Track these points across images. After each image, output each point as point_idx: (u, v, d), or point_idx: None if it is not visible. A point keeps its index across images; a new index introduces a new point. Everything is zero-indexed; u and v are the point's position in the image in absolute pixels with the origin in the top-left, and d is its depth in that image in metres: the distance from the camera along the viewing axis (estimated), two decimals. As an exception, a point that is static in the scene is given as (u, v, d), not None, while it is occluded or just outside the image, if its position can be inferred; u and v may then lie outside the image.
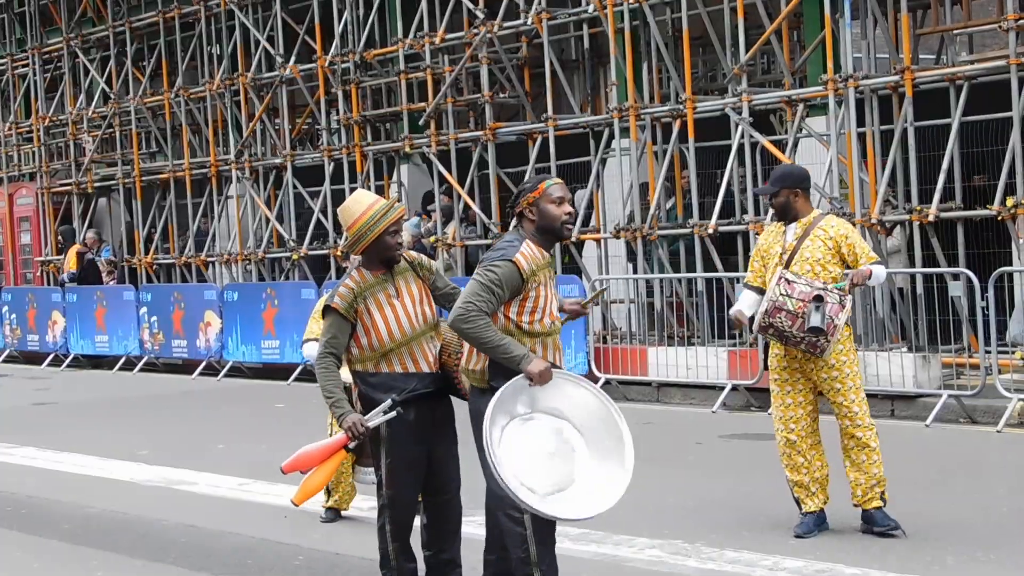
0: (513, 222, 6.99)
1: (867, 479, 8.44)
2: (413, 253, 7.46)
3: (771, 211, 10.22)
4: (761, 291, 8.71)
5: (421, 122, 20.57)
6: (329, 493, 9.81)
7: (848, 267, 8.59)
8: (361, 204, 7.15)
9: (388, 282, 7.17)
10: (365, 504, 10.12)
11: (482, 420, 6.63)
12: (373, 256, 7.17)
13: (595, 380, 16.00)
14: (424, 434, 7.21)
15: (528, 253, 6.76)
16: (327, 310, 7.16)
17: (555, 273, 7.17)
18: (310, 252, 22.05)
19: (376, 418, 7.01)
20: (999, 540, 8.32)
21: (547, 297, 6.85)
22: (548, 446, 6.73)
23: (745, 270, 15.70)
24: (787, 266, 8.52)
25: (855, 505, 8.55)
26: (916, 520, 8.72)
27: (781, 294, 8.31)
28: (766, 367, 9.00)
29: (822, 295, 8.26)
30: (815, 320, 8.22)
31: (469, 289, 6.72)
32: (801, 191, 8.75)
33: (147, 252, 25.30)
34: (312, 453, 7.01)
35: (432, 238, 19.66)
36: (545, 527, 6.78)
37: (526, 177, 18.57)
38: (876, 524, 8.46)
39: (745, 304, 8.87)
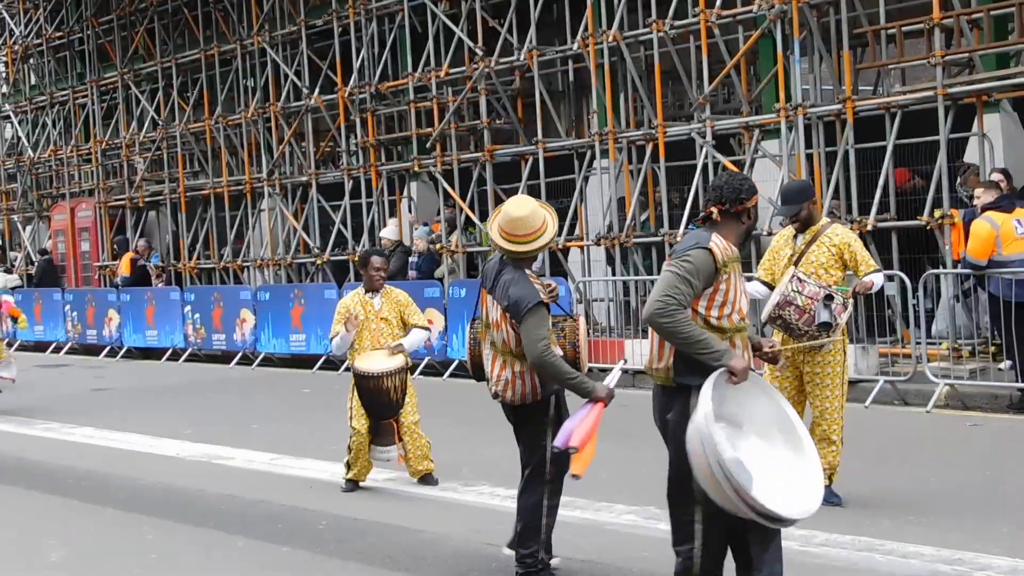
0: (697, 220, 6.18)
1: (821, 464, 8.39)
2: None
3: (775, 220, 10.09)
4: (770, 286, 8.63)
5: (428, 145, 20.57)
6: (348, 467, 9.77)
7: (847, 271, 8.55)
8: (539, 217, 6.87)
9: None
10: (380, 476, 10.13)
11: (678, 420, 5.74)
12: (528, 263, 6.98)
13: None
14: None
15: (720, 244, 5.74)
16: (538, 306, 6.72)
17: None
18: (332, 258, 22.05)
19: (614, 378, 6.86)
20: (927, 507, 8.33)
21: (737, 291, 5.81)
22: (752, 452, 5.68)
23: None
24: (795, 266, 8.43)
25: None
26: (857, 489, 8.72)
27: (793, 290, 8.17)
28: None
29: (832, 295, 8.17)
30: (824, 316, 8.12)
31: (665, 282, 5.67)
32: (814, 200, 8.67)
33: (191, 258, 25.28)
34: (586, 429, 6.49)
35: (438, 245, 19.65)
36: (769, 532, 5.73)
37: (519, 193, 18.63)
38: (824, 498, 8.45)
39: (751, 288, 8.52)
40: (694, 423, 5.47)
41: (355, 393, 9.71)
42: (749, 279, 8.43)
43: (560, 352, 6.94)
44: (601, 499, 8.86)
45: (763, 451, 5.69)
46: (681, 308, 5.62)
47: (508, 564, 7.24)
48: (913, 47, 16.88)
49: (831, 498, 8.41)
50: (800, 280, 8.24)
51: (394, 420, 9.65)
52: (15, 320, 16.41)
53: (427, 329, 10.29)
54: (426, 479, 9.82)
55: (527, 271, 6.92)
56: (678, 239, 16.33)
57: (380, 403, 9.52)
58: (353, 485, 9.83)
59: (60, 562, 8.02)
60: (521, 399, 6.99)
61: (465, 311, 17.38)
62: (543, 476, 7.01)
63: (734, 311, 5.79)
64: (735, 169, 16.09)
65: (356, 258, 20.55)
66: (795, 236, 8.62)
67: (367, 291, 9.92)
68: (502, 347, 6.99)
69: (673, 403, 5.80)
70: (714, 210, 5.88)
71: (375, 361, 9.58)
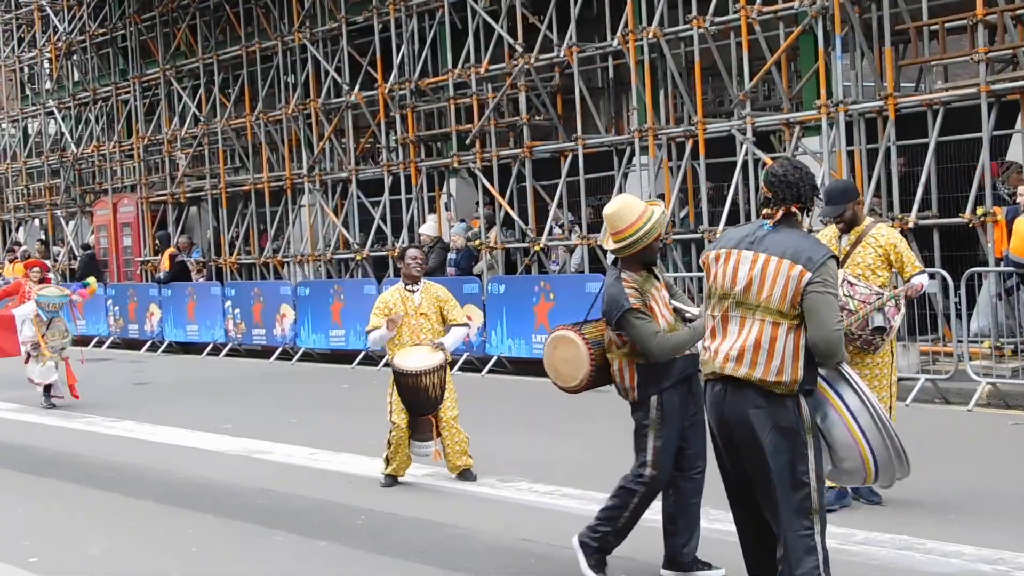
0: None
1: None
2: None
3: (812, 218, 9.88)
4: None
5: (468, 141, 20.58)
6: (388, 462, 9.78)
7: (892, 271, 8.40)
8: (634, 211, 6.59)
9: (652, 277, 6.77)
10: (419, 472, 10.15)
11: (794, 423, 5.57)
12: (638, 259, 6.70)
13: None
14: (684, 415, 6.80)
15: None
16: (631, 312, 6.57)
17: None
18: (372, 254, 22.10)
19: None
20: (968, 506, 8.27)
21: None
22: None
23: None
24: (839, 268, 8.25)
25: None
26: (896, 488, 8.64)
27: (844, 295, 7.94)
28: None
29: (883, 296, 8.02)
30: (878, 320, 7.98)
31: (831, 308, 5.47)
32: (859, 200, 8.48)
33: (231, 253, 25.40)
34: None
35: (476, 241, 19.66)
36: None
37: (558, 189, 18.62)
38: (862, 496, 8.38)
39: None
40: (844, 397, 5.57)
41: (395, 388, 9.72)
42: None
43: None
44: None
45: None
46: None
47: (544, 560, 7.26)
48: (956, 43, 16.76)
49: (872, 497, 8.36)
50: (850, 283, 8.07)
51: (433, 416, 9.66)
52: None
53: (466, 325, 10.26)
54: (464, 475, 9.83)
55: (627, 273, 6.76)
56: (717, 235, 16.28)
57: (419, 399, 9.53)
58: (392, 480, 9.83)
59: (101, 555, 8.07)
60: (625, 397, 6.91)
61: (504, 307, 17.40)
62: (640, 481, 6.88)
63: None
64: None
65: (396, 254, 20.61)
66: (839, 236, 8.42)
67: (406, 283, 9.94)
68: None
69: (785, 410, 5.55)
70: (795, 210, 5.72)
71: (415, 358, 9.59)
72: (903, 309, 8.24)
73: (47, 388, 15.59)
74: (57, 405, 15.52)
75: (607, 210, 6.75)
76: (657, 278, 6.80)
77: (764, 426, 5.55)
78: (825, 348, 5.47)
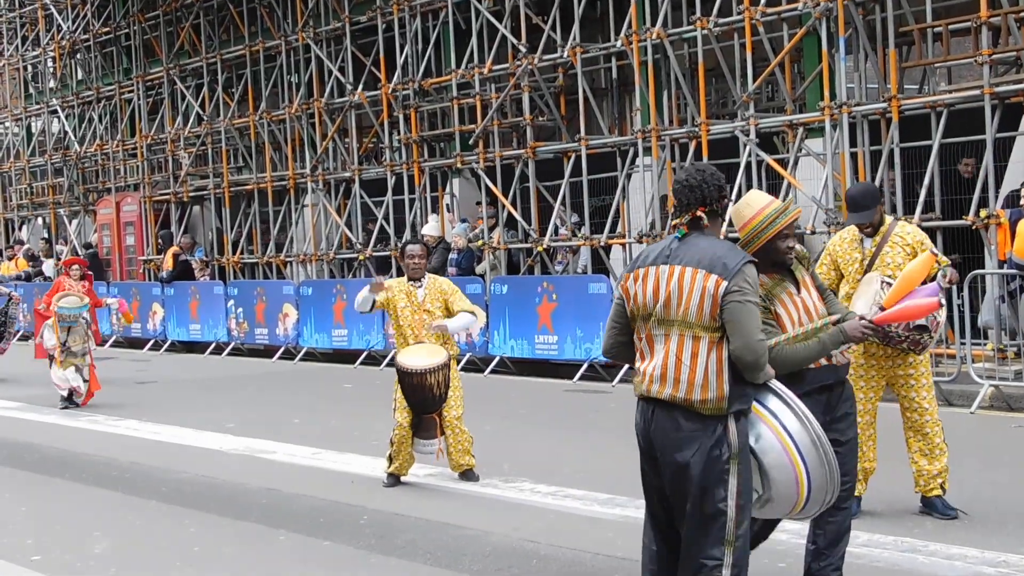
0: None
1: (931, 470, 8.07)
2: (799, 248, 6.23)
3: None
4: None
5: (471, 142, 20.58)
6: (391, 461, 9.76)
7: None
8: (752, 207, 5.98)
9: (786, 281, 6.08)
10: (422, 472, 10.15)
11: (736, 444, 5.24)
12: (764, 258, 5.90)
13: (620, 366, 15.99)
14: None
15: None
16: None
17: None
18: (374, 253, 22.10)
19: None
20: (972, 509, 8.24)
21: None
22: None
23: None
24: (868, 271, 7.96)
25: (917, 492, 8.17)
26: (900, 490, 8.66)
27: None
28: None
29: None
30: (921, 319, 7.56)
31: (753, 318, 5.20)
32: (882, 202, 8.22)
33: (234, 253, 25.40)
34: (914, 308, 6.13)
35: (479, 242, 19.66)
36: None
37: (561, 190, 18.63)
38: (936, 510, 8.07)
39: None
40: (780, 417, 5.29)
41: (399, 387, 9.72)
42: None
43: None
44: (642, 497, 8.81)
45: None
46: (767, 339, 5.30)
47: (548, 561, 7.25)
48: (960, 45, 16.77)
49: (945, 511, 8.05)
50: (888, 284, 7.74)
51: (436, 414, 9.64)
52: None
53: (474, 315, 10.06)
54: (467, 475, 9.82)
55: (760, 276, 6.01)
56: (720, 237, 16.25)
57: (422, 398, 9.51)
58: (394, 480, 9.81)
59: (104, 554, 8.07)
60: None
61: (507, 308, 17.41)
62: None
63: None
64: (779, 168, 16.05)
65: (397, 253, 20.66)
66: (861, 240, 8.15)
67: (410, 279, 9.91)
68: None
69: (710, 432, 5.21)
70: (701, 213, 5.39)
71: (418, 357, 9.54)
72: (945, 304, 7.95)
73: (70, 393, 15.43)
74: (75, 406, 15.36)
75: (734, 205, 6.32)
76: (794, 282, 6.15)
77: (688, 449, 5.22)
78: (750, 359, 5.17)
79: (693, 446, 5.22)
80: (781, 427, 5.31)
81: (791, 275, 6.14)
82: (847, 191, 8.94)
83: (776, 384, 5.38)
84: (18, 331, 18.89)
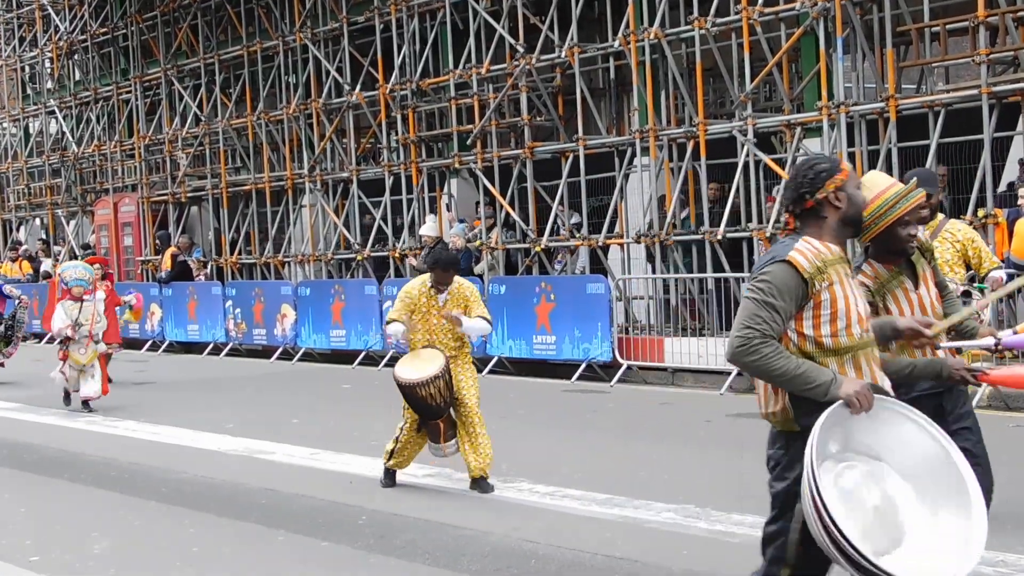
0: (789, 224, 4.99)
1: None
2: (922, 237, 5.74)
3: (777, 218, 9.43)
4: None
5: (469, 142, 20.58)
6: (391, 456, 9.67)
7: (968, 268, 8.09)
8: (871, 189, 5.47)
9: (903, 275, 5.65)
10: (420, 472, 10.16)
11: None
12: (882, 246, 5.57)
13: (618, 366, 16.02)
14: None
15: (809, 249, 4.72)
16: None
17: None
18: (372, 254, 22.10)
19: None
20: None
21: (849, 299, 4.76)
22: (872, 498, 4.62)
23: (749, 271, 15.74)
24: None
25: None
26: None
27: None
28: None
29: (970, 291, 7.75)
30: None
31: (744, 312, 4.73)
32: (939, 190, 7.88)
33: (232, 253, 25.40)
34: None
35: (478, 242, 19.66)
36: None
37: (559, 190, 18.63)
38: None
39: None
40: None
41: None
42: None
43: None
44: (640, 497, 8.85)
45: (908, 498, 4.66)
46: (767, 339, 4.66)
47: (546, 561, 7.25)
48: (957, 45, 16.77)
49: None
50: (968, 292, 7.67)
51: (442, 420, 9.49)
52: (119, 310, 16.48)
53: (489, 323, 9.86)
54: (481, 483, 9.45)
55: (872, 263, 5.75)
56: (718, 237, 16.29)
57: (423, 407, 9.39)
58: (391, 477, 9.75)
59: (103, 554, 8.07)
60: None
61: (505, 308, 17.41)
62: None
63: (850, 323, 4.76)
64: (777, 168, 16.04)
65: (396, 254, 20.62)
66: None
67: (433, 286, 9.63)
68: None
69: (783, 450, 4.88)
70: (789, 220, 4.97)
71: (413, 368, 9.39)
72: (988, 301, 7.77)
73: (67, 393, 15.35)
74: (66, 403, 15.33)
75: None
76: (913, 276, 5.71)
77: (772, 468, 4.99)
78: (727, 354, 4.84)
79: (773, 465, 4.98)
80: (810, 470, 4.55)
81: (911, 268, 5.74)
82: (910, 173, 8.54)
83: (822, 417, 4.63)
84: (26, 336, 18.79)
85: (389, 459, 9.71)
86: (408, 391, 9.31)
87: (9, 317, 18.41)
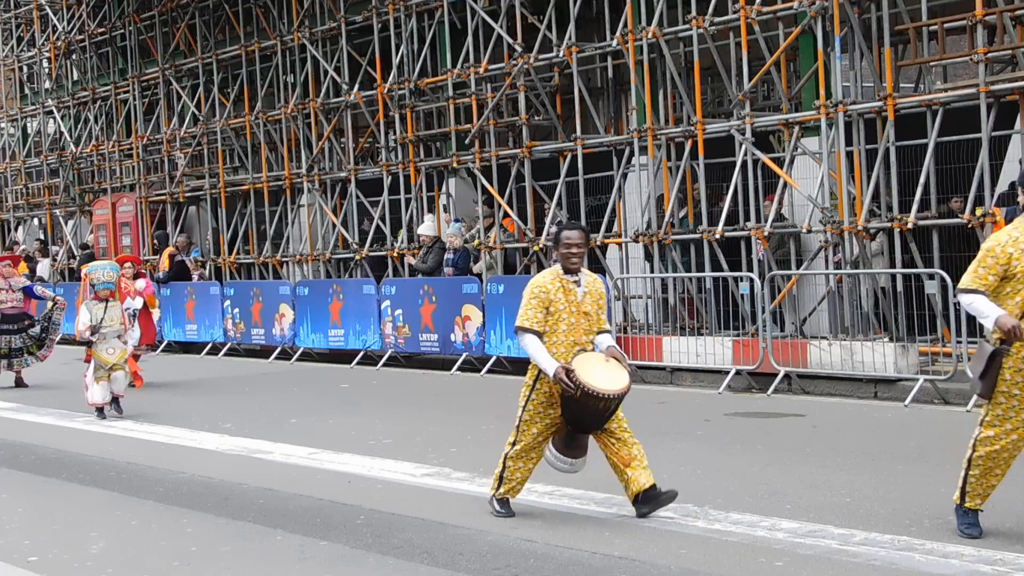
0: None
1: None
2: None
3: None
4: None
5: (467, 141, 20.59)
6: (500, 481, 8.51)
7: None
8: None
9: None
10: (418, 472, 10.15)
11: None
12: None
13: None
14: None
15: None
16: None
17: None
18: (371, 253, 22.10)
19: None
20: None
21: None
22: None
23: (747, 270, 15.76)
24: None
25: None
26: (897, 488, 8.68)
27: None
28: (983, 376, 7.35)
29: None
30: None
31: None
32: None
33: (230, 253, 25.39)
34: None
35: (476, 241, 19.66)
36: None
37: (557, 189, 18.64)
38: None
39: (1003, 310, 7.22)
40: None
41: (533, 396, 8.43)
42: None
43: None
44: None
45: None
46: None
47: (545, 560, 7.25)
48: (955, 44, 16.78)
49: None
50: None
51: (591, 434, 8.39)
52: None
53: (610, 333, 8.59)
54: (650, 496, 8.23)
55: None
56: (717, 236, 16.29)
57: (594, 420, 8.17)
58: (506, 507, 8.51)
59: (101, 554, 8.07)
60: None
61: (503, 307, 17.41)
62: None
63: None
64: (775, 167, 16.05)
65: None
66: None
67: (566, 272, 8.32)
68: None
69: None
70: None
71: (604, 376, 8.08)
72: None
73: (99, 410, 14.44)
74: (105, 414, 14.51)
75: None
76: None
77: None
78: None
79: None
80: None
81: None
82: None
83: None
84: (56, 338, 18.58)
85: (499, 487, 8.52)
86: (603, 403, 8.03)
87: (44, 319, 18.31)
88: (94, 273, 14.58)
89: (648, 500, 8.19)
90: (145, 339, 17.38)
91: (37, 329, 18.11)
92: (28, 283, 19.02)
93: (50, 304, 18.29)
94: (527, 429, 8.40)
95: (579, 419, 8.19)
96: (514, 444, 8.43)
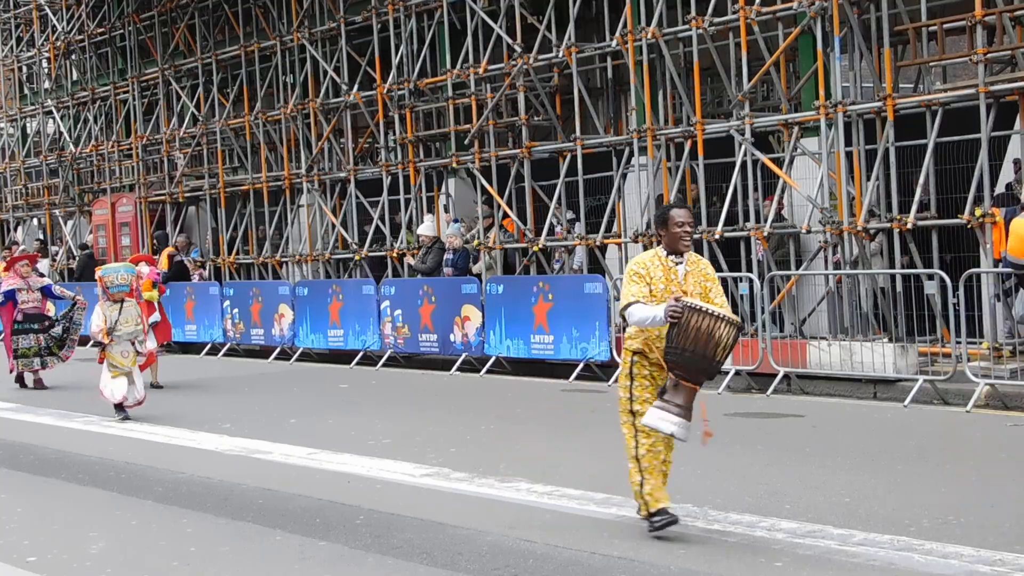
0: None
1: None
2: None
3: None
4: None
5: (466, 141, 20.59)
6: (643, 486, 7.83)
7: None
8: None
9: None
10: (418, 472, 10.15)
11: None
12: None
13: (616, 366, 16.00)
14: None
15: None
16: None
17: None
18: (370, 254, 22.11)
19: None
20: (967, 507, 8.27)
21: None
22: None
23: (746, 270, 15.76)
24: None
25: None
26: (896, 488, 8.67)
27: None
28: None
29: None
30: None
31: None
32: None
33: (230, 253, 25.39)
34: None
35: (476, 242, 19.66)
36: None
37: (557, 189, 18.64)
38: None
39: None
40: None
41: (636, 372, 7.90)
42: None
43: None
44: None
45: None
46: None
47: (544, 560, 7.25)
48: (955, 44, 16.79)
49: None
50: None
51: (696, 388, 7.81)
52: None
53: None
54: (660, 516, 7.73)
55: None
56: (716, 237, 16.29)
57: (706, 356, 7.58)
58: (666, 516, 7.71)
59: (101, 554, 8.07)
60: None
61: (503, 307, 17.41)
62: None
63: None
64: (775, 167, 16.05)
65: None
66: None
67: (669, 253, 7.93)
68: None
69: None
70: None
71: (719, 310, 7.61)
72: None
73: (119, 406, 14.20)
74: (131, 417, 14.23)
75: None
76: None
77: None
78: None
79: None
80: None
81: None
82: None
83: None
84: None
85: (643, 489, 7.84)
86: (709, 322, 7.47)
87: (65, 319, 18.26)
88: (108, 276, 14.40)
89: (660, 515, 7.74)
90: (162, 337, 17.32)
91: (59, 329, 18.11)
92: (48, 283, 18.98)
93: (71, 305, 18.27)
94: (641, 408, 7.86)
95: (682, 354, 7.53)
96: (636, 437, 7.87)
